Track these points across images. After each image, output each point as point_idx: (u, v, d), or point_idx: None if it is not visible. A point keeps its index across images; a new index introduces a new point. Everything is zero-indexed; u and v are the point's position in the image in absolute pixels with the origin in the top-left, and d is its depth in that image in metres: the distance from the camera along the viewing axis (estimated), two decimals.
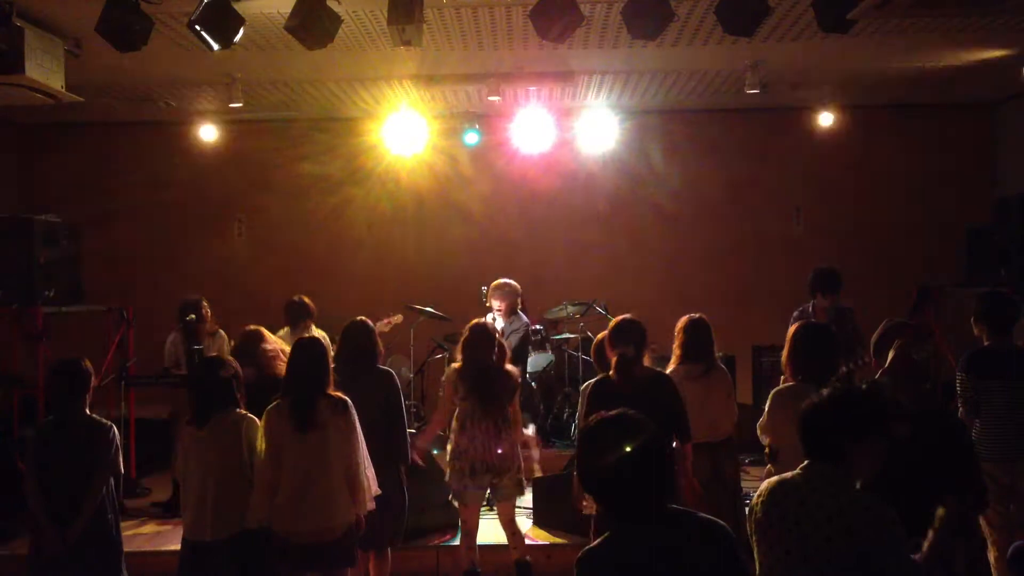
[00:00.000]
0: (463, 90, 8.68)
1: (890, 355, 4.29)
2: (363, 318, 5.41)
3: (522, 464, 5.40)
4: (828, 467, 2.98)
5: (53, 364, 4.84)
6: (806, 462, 3.04)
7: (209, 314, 7.39)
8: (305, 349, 4.67)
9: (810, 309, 7.23)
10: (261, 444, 4.48)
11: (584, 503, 4.99)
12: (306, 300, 7.63)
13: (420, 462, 5.57)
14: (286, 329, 7.60)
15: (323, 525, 4.42)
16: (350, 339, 5.31)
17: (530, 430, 6.34)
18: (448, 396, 5.41)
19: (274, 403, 4.55)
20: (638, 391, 4.73)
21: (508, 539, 5.50)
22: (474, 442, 5.26)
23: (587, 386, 5.46)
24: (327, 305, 7.99)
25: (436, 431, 5.67)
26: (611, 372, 4.94)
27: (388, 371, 5.35)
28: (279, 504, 4.42)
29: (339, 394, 4.58)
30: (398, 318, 7.98)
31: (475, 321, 5.55)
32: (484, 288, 7.93)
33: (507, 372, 5.36)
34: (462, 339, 5.43)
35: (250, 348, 5.36)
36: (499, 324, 7.41)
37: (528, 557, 5.52)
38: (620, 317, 5.10)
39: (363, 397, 4.98)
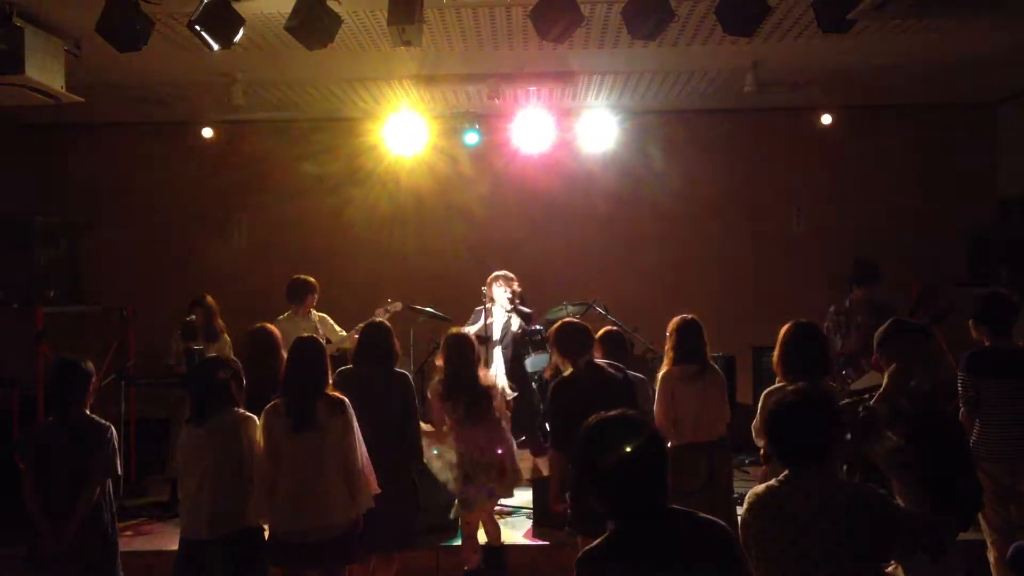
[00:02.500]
0: (463, 90, 8.68)
1: (892, 368, 4.25)
2: (381, 319, 5.47)
3: (516, 468, 5.53)
4: (810, 468, 2.99)
5: (53, 364, 4.84)
6: (787, 471, 3.05)
7: (215, 313, 7.37)
8: (303, 349, 4.67)
9: (847, 304, 7.30)
10: (260, 442, 4.49)
11: (561, 506, 5.09)
12: (308, 279, 7.70)
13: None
14: (291, 311, 7.63)
15: (320, 524, 4.43)
16: (368, 340, 5.33)
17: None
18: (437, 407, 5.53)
19: (272, 403, 4.56)
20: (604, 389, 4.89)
21: (485, 529, 5.65)
22: (468, 446, 5.40)
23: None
24: (327, 305, 8.00)
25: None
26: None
27: (404, 373, 5.37)
28: (277, 503, 4.43)
29: (337, 394, 4.59)
30: (397, 305, 7.98)
31: (452, 331, 5.69)
32: (485, 288, 7.95)
33: (485, 378, 5.55)
34: (442, 350, 5.58)
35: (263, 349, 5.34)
36: (501, 316, 7.54)
37: (500, 543, 5.66)
38: (566, 321, 5.30)
39: (378, 398, 5.02)
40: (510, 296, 7.69)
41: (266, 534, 4.59)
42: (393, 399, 5.16)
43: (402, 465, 5.13)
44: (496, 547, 5.65)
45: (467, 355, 5.48)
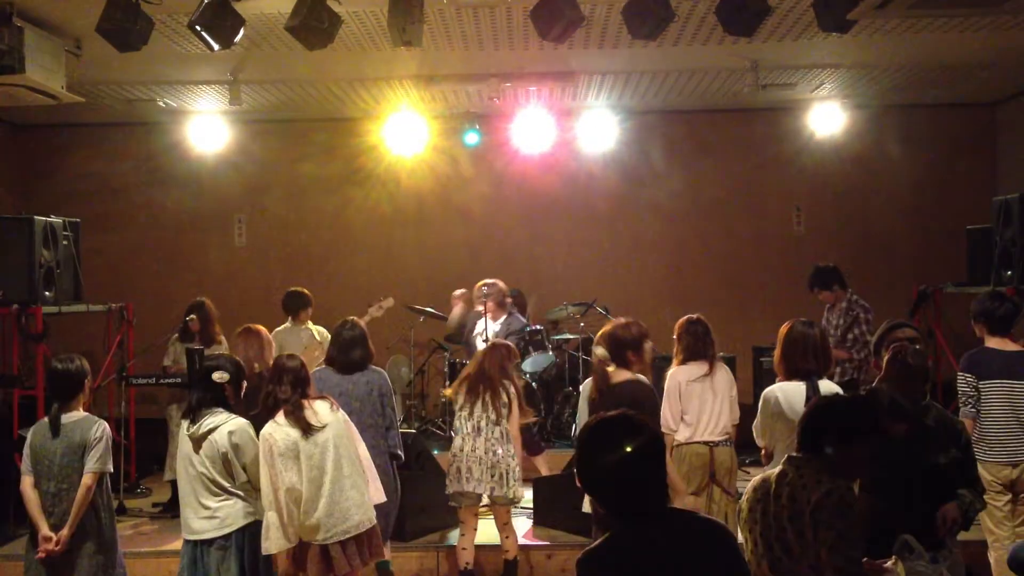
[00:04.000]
0: (463, 90, 8.67)
1: (885, 357, 4.31)
2: (353, 318, 5.52)
3: (519, 472, 5.53)
4: (809, 460, 3.06)
5: (50, 362, 4.83)
6: (788, 454, 3.12)
7: (213, 319, 7.32)
8: (289, 363, 4.66)
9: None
10: (265, 470, 4.43)
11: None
12: (304, 291, 7.68)
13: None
14: (288, 322, 7.63)
15: (361, 516, 4.50)
16: (339, 341, 5.40)
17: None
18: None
19: (264, 429, 4.51)
20: (611, 398, 4.77)
21: (501, 541, 5.64)
22: (466, 446, 5.45)
23: (586, 385, 5.50)
24: (327, 305, 8.00)
25: None
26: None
27: (380, 371, 5.43)
28: (309, 514, 4.42)
29: (323, 394, 4.70)
30: (389, 301, 7.98)
31: (493, 342, 5.79)
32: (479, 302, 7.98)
33: (499, 380, 5.53)
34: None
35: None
36: (489, 327, 7.54)
37: (516, 556, 5.63)
38: (612, 324, 5.16)
39: (356, 397, 5.08)
40: (490, 311, 7.66)
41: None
42: (372, 398, 5.25)
43: (380, 463, 5.15)
44: (510, 560, 5.65)
45: (495, 357, 5.59)
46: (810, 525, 2.93)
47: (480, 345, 7.24)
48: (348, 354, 5.33)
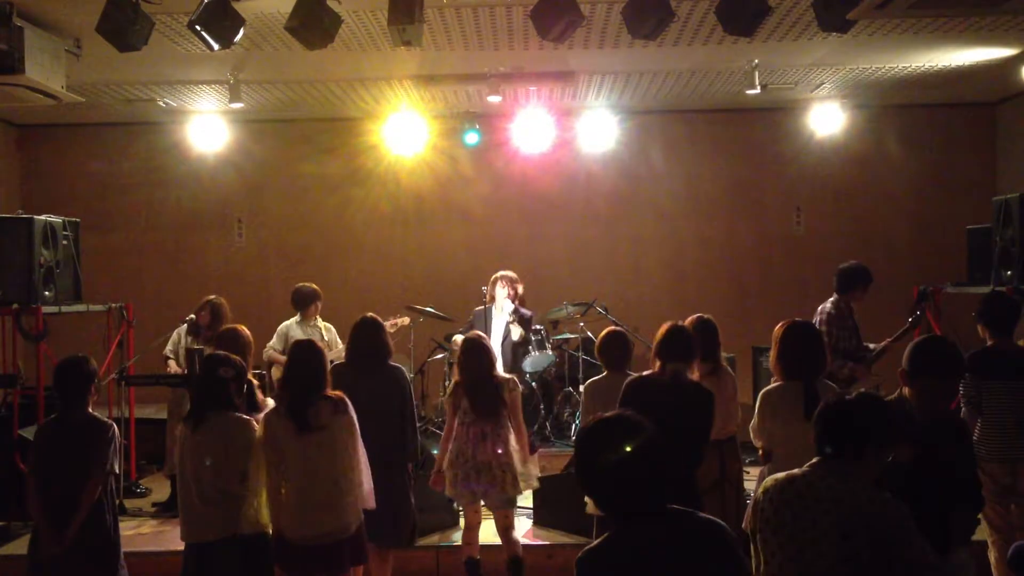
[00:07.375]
0: (463, 90, 8.68)
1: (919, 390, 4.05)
2: (372, 315, 5.42)
3: (516, 473, 5.33)
4: (841, 464, 2.95)
5: (59, 361, 4.80)
6: (816, 459, 3.01)
7: (222, 316, 7.29)
8: (302, 352, 4.63)
9: (842, 304, 6.75)
10: (259, 451, 4.44)
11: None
12: (313, 286, 7.72)
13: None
14: (296, 317, 7.65)
15: (336, 525, 4.40)
16: (359, 337, 5.31)
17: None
18: (450, 412, 5.44)
19: (273, 408, 4.54)
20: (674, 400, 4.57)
21: (503, 544, 5.49)
22: (464, 449, 5.28)
23: (589, 384, 5.48)
24: (327, 305, 8.00)
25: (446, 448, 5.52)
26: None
27: (399, 368, 5.35)
28: (288, 508, 4.37)
29: (338, 393, 4.56)
30: (404, 320, 8.03)
31: (469, 335, 5.58)
32: (485, 288, 7.97)
33: (498, 380, 5.37)
34: (457, 355, 5.49)
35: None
36: (507, 308, 7.64)
37: (520, 554, 5.50)
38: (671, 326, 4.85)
39: (374, 395, 5.02)
40: (510, 296, 7.66)
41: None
42: (390, 394, 5.17)
43: (398, 462, 5.13)
44: (516, 557, 5.48)
45: (479, 356, 5.35)
46: (859, 535, 2.84)
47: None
48: (367, 350, 5.26)
